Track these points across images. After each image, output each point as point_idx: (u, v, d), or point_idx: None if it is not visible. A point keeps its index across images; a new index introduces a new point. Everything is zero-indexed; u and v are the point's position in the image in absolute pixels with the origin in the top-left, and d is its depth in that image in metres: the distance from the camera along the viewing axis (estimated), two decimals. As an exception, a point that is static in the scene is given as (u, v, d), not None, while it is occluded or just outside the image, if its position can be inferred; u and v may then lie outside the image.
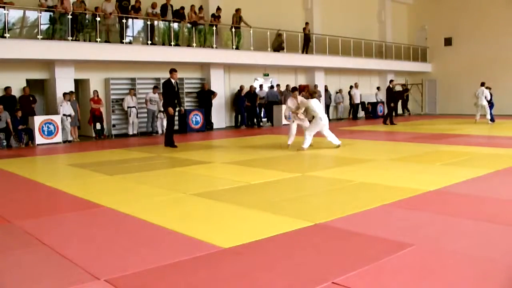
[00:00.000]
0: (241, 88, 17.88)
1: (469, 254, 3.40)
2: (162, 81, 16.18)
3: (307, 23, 20.17)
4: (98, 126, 14.59)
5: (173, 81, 11.05)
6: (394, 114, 18.28)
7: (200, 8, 16.87)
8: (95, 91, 14.47)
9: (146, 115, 15.46)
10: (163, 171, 7.74)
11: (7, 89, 12.92)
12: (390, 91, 17.53)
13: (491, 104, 17.36)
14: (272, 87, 19.42)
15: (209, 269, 3.21)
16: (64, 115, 13.50)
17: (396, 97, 18.31)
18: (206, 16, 17.10)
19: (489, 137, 11.92)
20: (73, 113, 13.74)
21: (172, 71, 11.08)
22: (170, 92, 11.10)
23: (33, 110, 13.18)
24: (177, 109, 11.41)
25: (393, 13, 25.76)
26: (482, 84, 17.39)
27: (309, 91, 10.38)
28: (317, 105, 10.05)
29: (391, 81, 18.51)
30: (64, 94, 13.70)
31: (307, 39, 19.81)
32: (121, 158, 9.53)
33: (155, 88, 15.42)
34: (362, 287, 2.88)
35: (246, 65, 18.34)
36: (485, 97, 16.94)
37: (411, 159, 8.32)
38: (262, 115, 19.25)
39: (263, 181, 6.44)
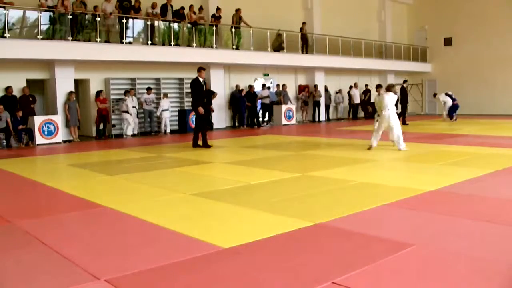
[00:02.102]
0: (237, 87, 17.90)
1: (469, 254, 3.39)
2: (162, 81, 16.36)
3: (304, 23, 20.16)
4: (101, 126, 14.63)
5: (201, 79, 10.81)
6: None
7: (200, 8, 16.88)
8: (101, 91, 14.49)
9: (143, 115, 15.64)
10: (163, 171, 7.74)
11: (8, 88, 12.93)
12: (404, 91, 17.33)
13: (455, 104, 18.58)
14: (278, 86, 19.59)
15: (208, 269, 3.21)
16: (125, 111, 14.60)
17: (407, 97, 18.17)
18: (206, 16, 17.10)
19: (489, 137, 11.92)
20: (134, 111, 14.82)
21: (200, 69, 10.84)
22: (199, 91, 10.82)
23: (33, 110, 13.19)
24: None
25: (393, 13, 25.76)
26: (435, 95, 19.97)
27: (387, 85, 9.85)
28: (388, 100, 9.48)
29: (405, 81, 18.19)
30: (126, 92, 14.80)
31: (304, 39, 19.82)
32: (121, 158, 9.53)
33: (149, 89, 15.48)
34: (362, 287, 2.88)
35: (246, 65, 18.35)
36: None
37: (411, 159, 8.32)
38: (266, 114, 19.34)
39: (263, 181, 6.44)
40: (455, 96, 18.53)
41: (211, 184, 6.39)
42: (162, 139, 14.13)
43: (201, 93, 10.90)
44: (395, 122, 9.48)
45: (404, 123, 17.08)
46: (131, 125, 14.88)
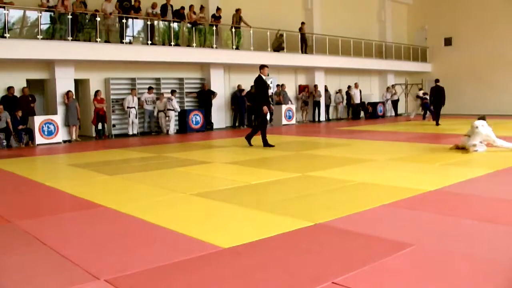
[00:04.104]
0: (239, 87, 17.90)
1: (469, 254, 3.39)
2: (162, 81, 16.36)
3: (302, 23, 20.17)
4: (100, 126, 14.64)
5: (263, 77, 10.63)
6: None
7: (202, 8, 16.88)
8: (99, 91, 14.50)
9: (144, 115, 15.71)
10: (163, 171, 7.74)
11: (10, 89, 12.93)
12: (437, 90, 16.31)
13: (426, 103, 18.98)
14: (278, 86, 19.59)
15: (209, 269, 3.21)
16: (170, 109, 15.54)
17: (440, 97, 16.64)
18: (206, 16, 17.12)
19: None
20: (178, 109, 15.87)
21: (264, 66, 10.65)
22: (264, 89, 10.66)
23: (33, 110, 13.19)
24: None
25: (393, 13, 25.77)
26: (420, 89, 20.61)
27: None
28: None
29: (437, 80, 17.11)
30: (173, 91, 15.85)
31: (303, 39, 19.83)
32: (121, 158, 9.53)
33: (150, 89, 15.52)
34: (362, 287, 2.88)
35: (246, 65, 18.34)
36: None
37: (411, 159, 8.32)
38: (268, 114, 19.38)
39: (263, 181, 6.44)
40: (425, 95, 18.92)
41: (211, 184, 6.39)
42: (162, 139, 14.13)
43: (265, 91, 10.70)
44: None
45: (437, 123, 16.06)
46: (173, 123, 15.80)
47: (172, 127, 15.80)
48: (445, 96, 16.23)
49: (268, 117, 19.20)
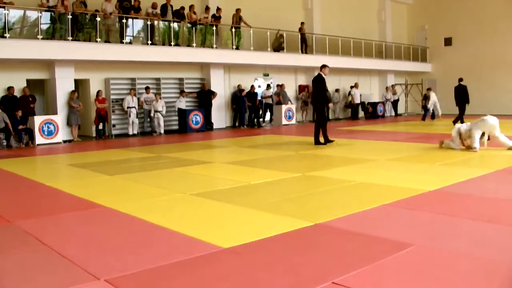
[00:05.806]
0: (239, 87, 17.89)
1: (469, 254, 3.39)
2: (162, 81, 16.36)
3: (302, 23, 20.17)
4: (100, 126, 14.64)
5: (324, 76, 10.76)
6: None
7: (207, 9, 16.88)
8: (100, 91, 14.50)
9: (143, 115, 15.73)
10: (163, 171, 7.74)
11: (10, 89, 12.93)
12: (460, 89, 15.98)
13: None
14: (278, 86, 19.62)
15: (209, 269, 3.21)
16: (179, 108, 16.07)
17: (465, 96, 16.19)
18: (209, 16, 17.14)
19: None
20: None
21: (325, 66, 10.87)
22: (324, 88, 10.77)
23: (33, 110, 13.19)
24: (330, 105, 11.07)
25: (393, 13, 25.78)
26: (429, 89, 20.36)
27: None
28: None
29: (461, 79, 16.61)
30: (182, 91, 16.31)
31: (303, 39, 19.83)
32: (121, 158, 9.53)
33: (147, 88, 15.50)
34: (362, 287, 2.88)
35: (246, 65, 18.35)
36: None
37: (411, 159, 8.31)
38: (267, 114, 19.38)
39: (263, 181, 6.44)
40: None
41: (211, 184, 6.39)
42: (162, 139, 14.14)
43: (324, 90, 10.84)
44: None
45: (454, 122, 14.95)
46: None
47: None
48: (469, 94, 16.13)
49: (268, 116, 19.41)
